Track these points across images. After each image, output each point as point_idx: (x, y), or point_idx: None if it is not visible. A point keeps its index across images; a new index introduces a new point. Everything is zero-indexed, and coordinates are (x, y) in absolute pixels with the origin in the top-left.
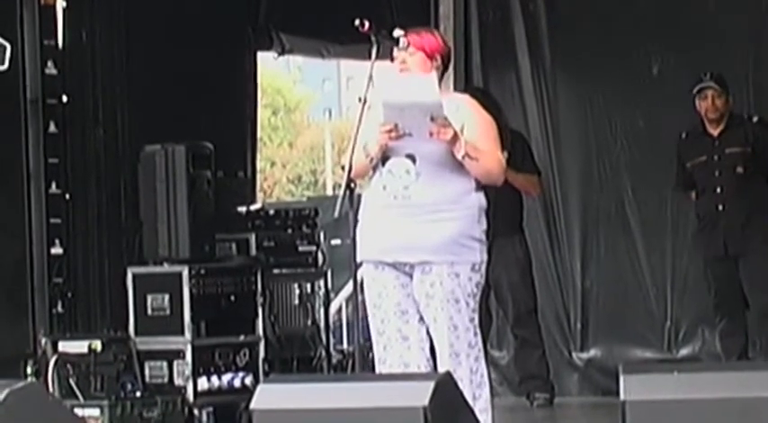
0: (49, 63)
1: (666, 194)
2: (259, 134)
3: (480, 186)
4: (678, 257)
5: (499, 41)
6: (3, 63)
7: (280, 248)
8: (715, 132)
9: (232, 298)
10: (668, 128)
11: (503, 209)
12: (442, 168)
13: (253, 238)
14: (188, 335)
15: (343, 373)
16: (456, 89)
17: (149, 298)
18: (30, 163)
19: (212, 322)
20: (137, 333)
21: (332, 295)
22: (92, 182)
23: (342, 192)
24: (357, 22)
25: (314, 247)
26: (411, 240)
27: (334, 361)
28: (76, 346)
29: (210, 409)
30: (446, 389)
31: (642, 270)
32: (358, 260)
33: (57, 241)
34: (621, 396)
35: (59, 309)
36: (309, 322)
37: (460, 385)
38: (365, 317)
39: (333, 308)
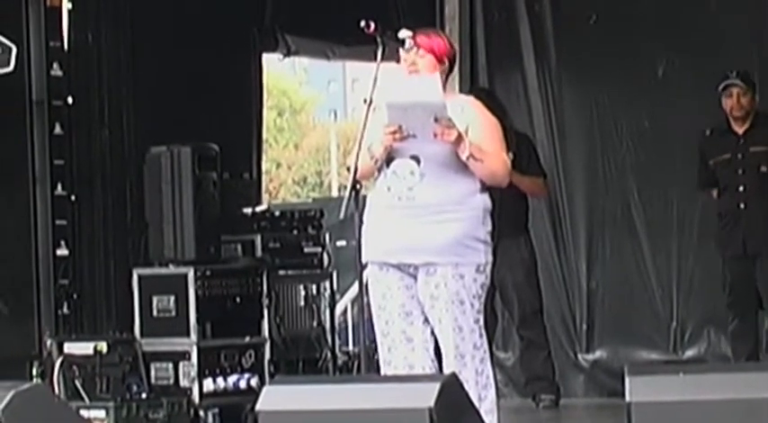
0: (55, 65)
1: (672, 195)
2: (264, 135)
3: (485, 188)
4: (684, 258)
5: (504, 42)
6: (8, 65)
7: (285, 250)
8: (740, 130)
9: (238, 299)
10: (674, 129)
11: (508, 210)
12: (447, 169)
13: (258, 239)
14: (193, 336)
15: (348, 374)
16: (461, 90)
17: (155, 299)
18: (35, 164)
19: (218, 323)
20: (142, 334)
21: (337, 297)
22: (97, 183)
23: (347, 193)
24: (362, 23)
25: (319, 249)
26: (415, 241)
27: (339, 362)
28: (82, 348)
29: (216, 410)
30: (452, 390)
31: (648, 271)
32: (363, 261)
33: (62, 243)
34: (627, 397)
35: (65, 310)
36: (315, 323)
37: (466, 386)
38: (371, 318)
39: (338, 309)
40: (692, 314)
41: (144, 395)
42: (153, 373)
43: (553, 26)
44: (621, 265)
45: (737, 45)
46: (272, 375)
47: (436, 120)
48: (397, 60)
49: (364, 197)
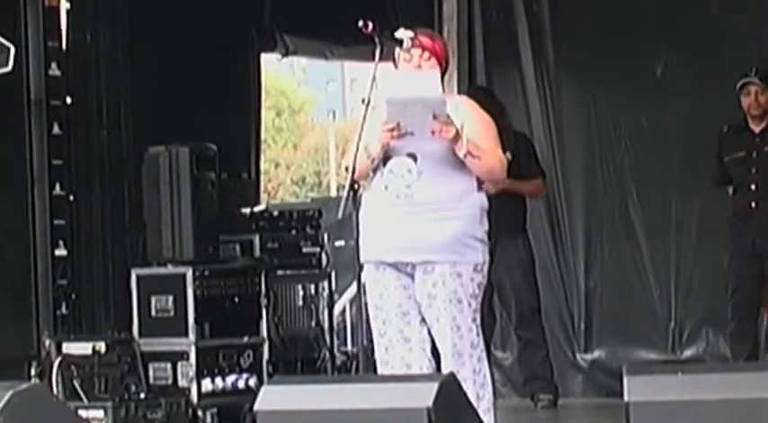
0: (53, 64)
1: (670, 195)
2: (263, 135)
3: (482, 186)
4: (682, 258)
5: (502, 42)
6: (6, 65)
7: (284, 250)
8: (757, 129)
9: (236, 299)
10: (672, 129)
11: (505, 210)
12: (444, 167)
13: (257, 239)
14: (192, 336)
15: (347, 374)
16: (459, 90)
17: (153, 299)
18: (33, 164)
19: (216, 323)
20: (141, 334)
21: (336, 296)
22: (96, 183)
23: (345, 193)
24: (361, 23)
25: (318, 249)
26: (413, 240)
27: (338, 362)
28: (80, 348)
29: (214, 410)
30: (450, 390)
31: (646, 271)
32: (360, 261)
33: (61, 243)
34: (625, 397)
35: (63, 310)
36: (313, 323)
37: (464, 386)
38: (369, 318)
39: (337, 309)
40: (691, 314)
41: (142, 395)
42: (151, 373)
43: (551, 26)
44: (620, 264)
45: (737, 45)
46: (270, 375)
47: (435, 117)
48: (394, 60)
49: (362, 197)
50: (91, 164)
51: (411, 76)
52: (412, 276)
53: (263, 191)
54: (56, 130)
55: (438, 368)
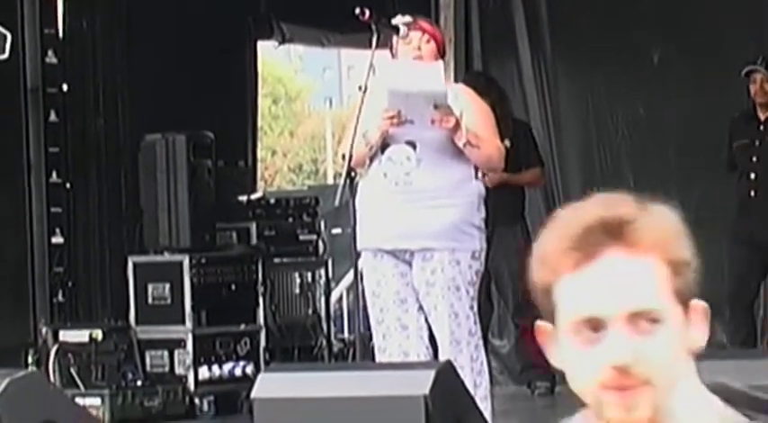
0: (50, 52)
1: (668, 184)
2: (260, 123)
3: (478, 174)
4: None
5: (499, 30)
6: (3, 52)
7: (280, 237)
8: (763, 117)
9: (233, 287)
10: (669, 117)
11: (503, 198)
12: (443, 155)
13: (253, 226)
14: (189, 324)
15: (344, 361)
16: (456, 79)
17: (150, 287)
18: (30, 152)
19: (213, 311)
20: (137, 322)
21: (333, 284)
22: (92, 171)
23: (342, 180)
24: (357, 10)
25: (315, 236)
26: (412, 227)
27: (335, 350)
28: (77, 336)
29: (211, 397)
30: (447, 377)
31: None
32: (358, 249)
33: (57, 230)
34: None
35: (60, 298)
36: (310, 311)
37: (461, 373)
38: (366, 306)
39: (334, 297)
40: None
41: (139, 383)
42: (148, 360)
43: (548, 13)
44: None
45: (735, 33)
46: (267, 363)
47: (436, 106)
48: (391, 48)
49: (359, 184)
50: (87, 151)
51: (414, 67)
52: (410, 264)
53: (259, 178)
54: (52, 117)
55: (435, 356)
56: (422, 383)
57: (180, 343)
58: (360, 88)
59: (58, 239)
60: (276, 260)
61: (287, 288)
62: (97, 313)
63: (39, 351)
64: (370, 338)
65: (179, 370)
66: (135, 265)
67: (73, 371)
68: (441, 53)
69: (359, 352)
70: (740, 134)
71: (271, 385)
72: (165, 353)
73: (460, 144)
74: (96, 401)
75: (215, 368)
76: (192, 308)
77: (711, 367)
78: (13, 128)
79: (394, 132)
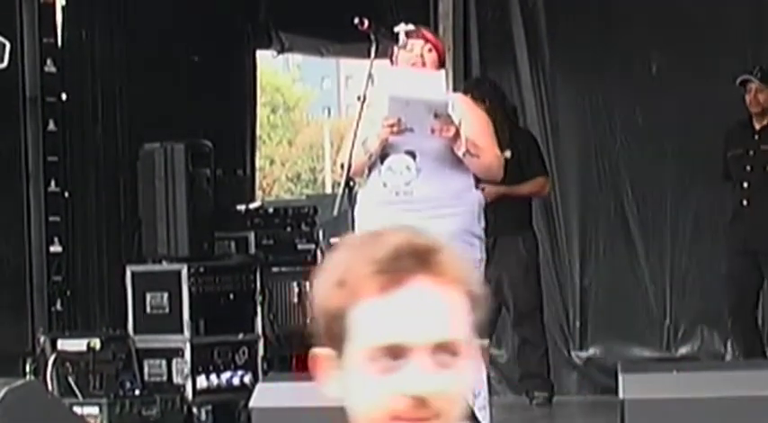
0: (49, 61)
1: (666, 193)
2: (258, 132)
3: (478, 184)
4: (677, 256)
5: (498, 39)
6: (2, 61)
7: (279, 246)
8: (758, 126)
9: (231, 296)
10: (668, 126)
11: (505, 207)
12: (442, 165)
13: (252, 236)
14: (187, 333)
15: None
16: (455, 87)
17: (148, 296)
18: (29, 161)
19: (211, 320)
20: (136, 331)
21: None
22: (91, 180)
23: (341, 190)
24: (356, 20)
25: (313, 246)
26: None
27: None
28: (75, 345)
29: (209, 407)
30: None
31: (641, 269)
32: None
33: (56, 239)
34: (620, 395)
35: (58, 307)
36: (308, 320)
37: None
38: None
39: None
40: (686, 312)
41: (137, 392)
42: (146, 369)
43: (546, 23)
44: (615, 262)
45: (734, 41)
46: (265, 372)
47: (436, 115)
48: (390, 56)
49: (357, 194)
50: (86, 160)
51: (416, 75)
52: None
53: (257, 188)
54: (51, 126)
55: None
56: None
57: (178, 352)
58: (359, 98)
59: (56, 248)
60: (274, 269)
61: (285, 297)
62: (95, 322)
63: (37, 360)
64: None
65: (177, 379)
66: (133, 274)
67: (71, 380)
68: (441, 63)
69: None
70: (735, 143)
71: (269, 394)
72: (164, 362)
73: (460, 153)
74: (94, 410)
75: (213, 377)
76: (191, 317)
77: (708, 379)
78: (12, 137)
79: (393, 142)
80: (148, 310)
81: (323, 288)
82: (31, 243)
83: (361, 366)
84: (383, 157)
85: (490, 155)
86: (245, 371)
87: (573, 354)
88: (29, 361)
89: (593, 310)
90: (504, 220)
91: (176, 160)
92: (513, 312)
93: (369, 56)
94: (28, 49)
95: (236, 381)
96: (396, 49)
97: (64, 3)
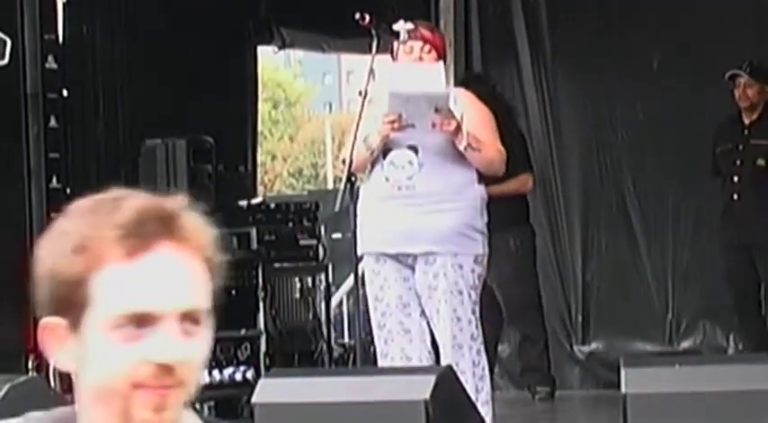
0: (50, 57)
1: (667, 187)
2: (260, 128)
3: (481, 179)
4: (679, 250)
5: (499, 35)
6: (3, 57)
7: (281, 242)
8: (747, 121)
9: (233, 292)
10: (669, 121)
11: (495, 204)
12: (444, 159)
13: (254, 231)
14: None
15: (344, 366)
16: (456, 82)
17: None
18: (30, 158)
19: (213, 316)
20: None
21: (333, 289)
22: (92, 176)
23: (343, 185)
24: (358, 15)
25: (315, 241)
26: (415, 231)
27: (335, 355)
28: None
29: (212, 403)
30: (447, 382)
31: (643, 263)
32: (359, 253)
33: None
34: (622, 389)
35: None
36: (311, 316)
37: (463, 378)
38: (366, 310)
39: (334, 301)
40: (688, 306)
41: None
42: None
43: (548, 18)
44: (617, 256)
45: (734, 37)
46: (267, 368)
47: (437, 110)
48: (392, 52)
49: (360, 189)
50: (87, 157)
51: (415, 69)
52: (412, 268)
53: (259, 183)
54: (52, 123)
55: (437, 360)
56: (422, 388)
57: None
58: (360, 93)
59: None
60: (276, 265)
61: (287, 293)
62: None
63: (39, 356)
64: (371, 343)
65: None
66: None
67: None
68: (442, 59)
69: (359, 357)
70: (725, 138)
71: (271, 390)
72: None
73: (461, 147)
74: None
75: (215, 373)
76: None
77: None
78: (13, 133)
79: (395, 137)
80: None
81: (56, 254)
82: (32, 239)
83: (102, 334)
84: (385, 152)
85: (492, 149)
86: (248, 366)
87: (575, 348)
88: (31, 357)
89: (596, 305)
90: (494, 217)
91: (178, 156)
92: (506, 310)
93: (370, 51)
94: (29, 46)
95: (238, 376)
96: (396, 44)
97: None
